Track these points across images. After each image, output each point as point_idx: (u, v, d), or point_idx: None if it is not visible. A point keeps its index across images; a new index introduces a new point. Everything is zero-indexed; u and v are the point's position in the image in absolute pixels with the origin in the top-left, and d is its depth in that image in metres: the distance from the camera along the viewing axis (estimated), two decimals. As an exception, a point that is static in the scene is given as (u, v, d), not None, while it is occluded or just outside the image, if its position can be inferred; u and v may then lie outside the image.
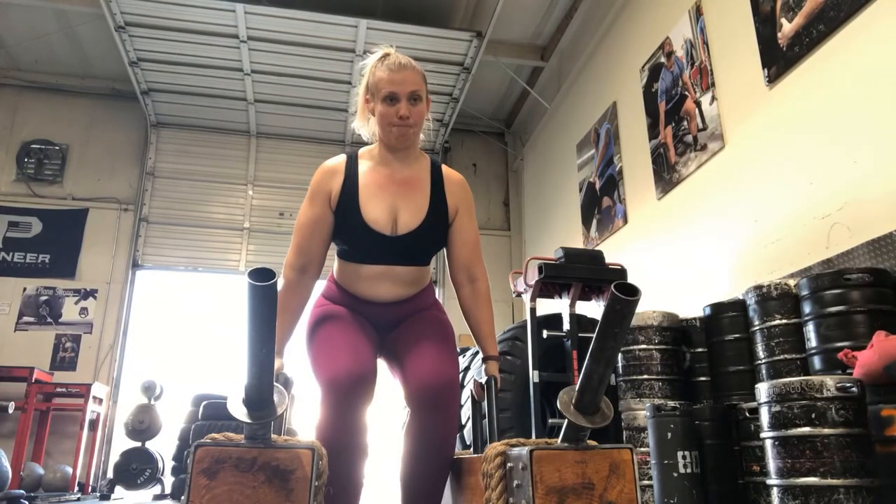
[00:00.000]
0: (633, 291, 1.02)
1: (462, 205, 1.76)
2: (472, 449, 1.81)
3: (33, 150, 6.38)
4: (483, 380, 1.73)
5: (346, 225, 1.67)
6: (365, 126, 1.78)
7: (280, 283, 1.53)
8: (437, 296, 1.91)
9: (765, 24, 3.09)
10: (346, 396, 1.49)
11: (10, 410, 2.49)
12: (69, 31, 5.87)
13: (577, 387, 1.12)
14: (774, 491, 1.99)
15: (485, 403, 1.72)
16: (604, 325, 1.05)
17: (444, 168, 1.79)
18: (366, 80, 1.72)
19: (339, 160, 1.74)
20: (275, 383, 1.19)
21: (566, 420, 1.15)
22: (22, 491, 4.16)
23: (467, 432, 3.58)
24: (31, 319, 5.96)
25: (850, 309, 2.29)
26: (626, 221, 4.47)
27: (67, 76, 6.50)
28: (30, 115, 6.45)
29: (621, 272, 3.50)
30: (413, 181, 1.72)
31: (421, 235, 1.68)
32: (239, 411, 1.16)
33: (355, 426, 1.53)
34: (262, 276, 1.02)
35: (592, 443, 1.19)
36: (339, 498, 1.51)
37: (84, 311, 6.07)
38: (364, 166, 1.72)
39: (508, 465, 1.19)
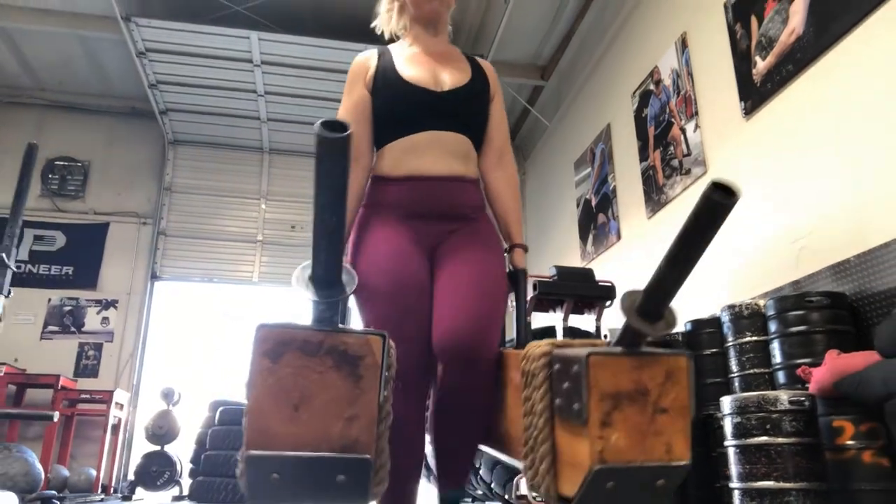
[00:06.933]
0: (731, 191, 0.88)
1: (498, 91, 1.73)
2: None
3: (57, 166, 6.69)
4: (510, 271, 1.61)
5: (386, 91, 1.59)
6: (387, 25, 1.77)
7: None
8: None
9: (742, 61, 3.33)
10: (410, 388, 1.40)
11: (55, 419, 2.77)
12: (92, 55, 6.18)
13: (643, 290, 1.03)
14: (735, 493, 2.23)
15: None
16: (690, 225, 0.92)
17: (478, 58, 1.79)
18: None
19: (371, 50, 1.69)
20: (344, 265, 1.08)
21: (624, 323, 1.08)
22: (54, 491, 4.44)
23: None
24: (56, 329, 6.26)
25: (810, 329, 2.49)
26: (619, 238, 4.71)
27: (89, 96, 6.80)
28: (53, 133, 6.74)
29: (610, 288, 3.75)
30: (450, 55, 1.70)
31: (467, 94, 1.62)
32: (305, 290, 1.07)
33: (419, 413, 1.47)
34: (333, 127, 0.90)
35: (648, 349, 1.11)
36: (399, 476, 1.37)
37: (105, 320, 6.36)
38: (398, 48, 1.70)
39: (556, 366, 1.12)
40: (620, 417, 1.03)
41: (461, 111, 1.60)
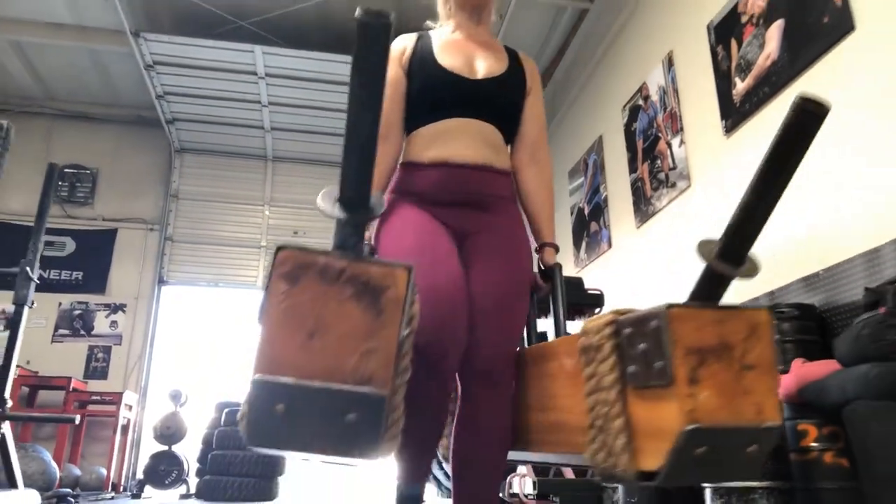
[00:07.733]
0: (821, 104, 0.82)
1: (535, 85, 1.70)
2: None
3: (66, 174, 6.87)
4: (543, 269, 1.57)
5: (420, 74, 1.58)
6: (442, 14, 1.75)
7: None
8: None
9: (722, 81, 3.50)
10: (443, 370, 1.37)
11: (77, 422, 2.96)
12: (101, 67, 6.37)
13: (725, 232, 0.97)
14: (707, 492, 2.41)
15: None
16: (780, 142, 0.86)
17: (520, 53, 1.77)
18: None
19: (410, 34, 1.68)
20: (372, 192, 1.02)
21: (702, 273, 1.00)
22: (69, 489, 4.62)
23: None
24: (66, 332, 6.46)
25: (781, 338, 2.65)
26: (610, 246, 4.88)
27: (98, 106, 6.98)
28: (63, 141, 6.93)
29: (599, 296, 3.92)
30: (490, 45, 1.68)
31: (500, 83, 1.60)
32: (330, 207, 1.00)
33: (446, 392, 1.45)
34: (373, 15, 0.84)
35: (725, 302, 1.04)
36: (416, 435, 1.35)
37: (114, 324, 6.56)
38: (437, 34, 1.69)
39: (625, 331, 1.03)
40: (707, 374, 0.94)
41: (492, 100, 1.58)
